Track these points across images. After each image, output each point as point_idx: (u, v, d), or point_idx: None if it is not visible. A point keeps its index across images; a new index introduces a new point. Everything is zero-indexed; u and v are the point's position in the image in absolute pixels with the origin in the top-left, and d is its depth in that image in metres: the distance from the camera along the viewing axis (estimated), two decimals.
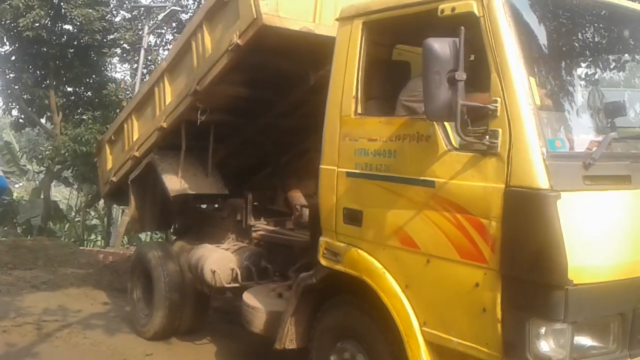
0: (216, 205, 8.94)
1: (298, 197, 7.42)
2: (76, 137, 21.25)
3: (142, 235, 20.40)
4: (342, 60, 4.97)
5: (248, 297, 6.21)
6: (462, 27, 3.77)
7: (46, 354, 7.48)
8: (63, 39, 23.33)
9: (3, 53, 23.66)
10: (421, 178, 4.25)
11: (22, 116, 25.15)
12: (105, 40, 23.56)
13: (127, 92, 23.45)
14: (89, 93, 24.47)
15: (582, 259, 3.61)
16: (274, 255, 7.11)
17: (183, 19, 25.16)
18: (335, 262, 4.97)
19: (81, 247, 19.30)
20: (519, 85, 3.77)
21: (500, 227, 3.78)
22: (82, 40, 22.71)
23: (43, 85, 23.61)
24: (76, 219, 28.61)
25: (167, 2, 25.50)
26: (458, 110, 3.73)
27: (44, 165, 24.76)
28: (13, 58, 23.42)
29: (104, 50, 23.81)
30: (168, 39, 26.46)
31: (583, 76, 5.07)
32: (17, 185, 33.59)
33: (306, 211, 6.68)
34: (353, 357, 4.94)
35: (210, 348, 7.95)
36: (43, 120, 25.76)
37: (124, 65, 27.69)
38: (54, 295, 10.16)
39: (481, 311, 3.88)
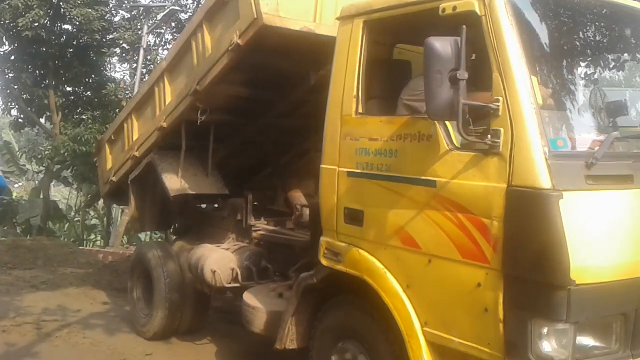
0: (216, 205, 8.93)
1: (298, 196, 7.41)
2: (75, 136, 21.22)
3: (142, 235, 20.37)
4: (343, 60, 4.96)
5: (248, 297, 6.20)
6: (464, 26, 3.75)
7: (46, 354, 7.47)
8: (62, 39, 23.29)
9: (2, 53, 23.65)
10: (422, 177, 4.24)
11: (22, 116, 25.14)
12: (104, 39, 23.53)
13: (127, 92, 23.43)
14: (88, 93, 24.43)
15: (584, 258, 3.60)
16: (274, 255, 7.10)
17: (182, 18, 25.17)
18: (336, 262, 4.96)
19: (80, 247, 19.29)
20: (521, 84, 3.76)
21: (502, 227, 3.77)
22: (81, 40, 22.69)
23: (42, 85, 23.58)
24: (75, 219, 28.57)
25: (166, 2, 25.47)
26: (460, 109, 3.72)
27: (44, 165, 24.73)
28: (12, 58, 23.38)
29: (103, 50, 23.78)
30: (167, 39, 26.52)
31: (585, 75, 5.06)
32: (16, 185, 33.62)
33: (306, 211, 6.66)
34: (354, 357, 4.93)
35: (210, 348, 7.94)
36: (42, 120, 25.73)
37: (123, 65, 27.71)
38: (54, 295, 10.14)
39: (483, 311, 3.87)
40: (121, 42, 24.34)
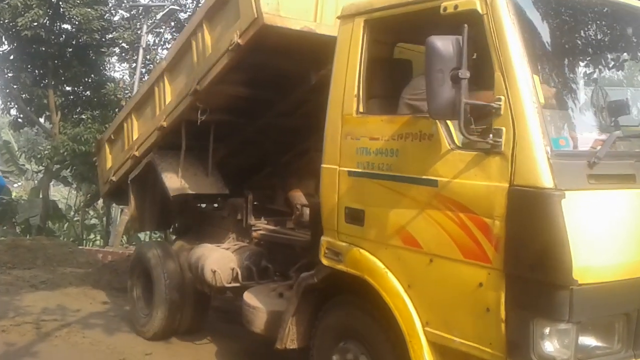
0: (216, 205, 8.92)
1: (299, 196, 7.39)
2: (75, 136, 21.22)
3: (141, 235, 20.37)
4: (344, 59, 4.94)
5: (249, 297, 6.19)
6: (466, 25, 3.73)
7: (45, 353, 7.45)
8: (61, 38, 23.31)
9: (1, 52, 23.68)
10: (424, 177, 4.22)
11: (21, 115, 25.15)
12: (103, 39, 23.54)
13: (126, 92, 23.44)
14: (87, 92, 24.45)
15: (586, 258, 3.58)
16: (274, 255, 7.08)
17: (182, 18, 25.21)
18: (337, 261, 4.94)
19: (80, 247, 19.33)
20: (523, 83, 3.75)
21: (504, 227, 3.75)
22: (80, 40, 22.69)
23: (42, 85, 23.60)
24: (75, 219, 28.60)
25: (166, 1, 25.47)
26: (461, 108, 3.70)
27: (43, 164, 24.75)
28: (11, 57, 23.41)
29: (103, 50, 23.80)
30: (167, 38, 26.51)
31: (587, 74, 5.04)
32: (15, 185, 33.63)
33: (307, 210, 6.65)
34: (356, 358, 4.92)
35: (209, 347, 7.93)
36: (42, 120, 25.75)
37: (122, 65, 27.72)
38: (53, 295, 10.12)
39: (485, 311, 3.86)
40: (120, 41, 24.36)
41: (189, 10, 25.44)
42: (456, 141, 4.06)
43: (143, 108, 8.45)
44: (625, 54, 5.18)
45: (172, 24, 25.60)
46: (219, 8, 6.59)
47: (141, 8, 25.19)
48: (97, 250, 17.55)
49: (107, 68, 26.27)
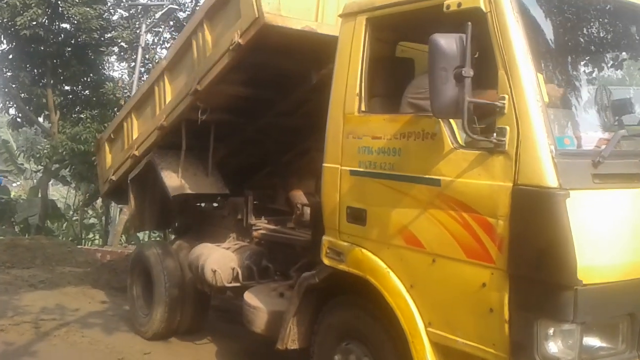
0: (216, 204, 8.90)
1: (299, 196, 7.38)
2: (74, 135, 21.16)
3: (140, 235, 20.35)
4: (345, 57, 4.92)
5: (249, 297, 6.17)
6: (469, 23, 3.71)
7: (44, 353, 7.46)
8: (60, 38, 23.22)
9: (0, 52, 23.60)
10: (426, 176, 4.20)
11: (20, 115, 25.08)
12: (102, 38, 23.46)
13: (125, 91, 23.41)
14: (86, 92, 24.37)
15: (591, 258, 3.56)
16: (275, 255, 7.05)
17: (180, 17, 25.18)
18: (339, 261, 4.92)
19: (79, 246, 19.34)
20: (527, 82, 3.73)
21: (508, 226, 3.73)
22: (79, 39, 22.62)
23: (40, 84, 23.53)
24: (74, 218, 28.57)
25: (165, 0, 25.39)
26: (465, 107, 3.68)
27: (42, 164, 24.68)
28: (10, 57, 23.31)
29: (102, 49, 23.73)
30: (166, 37, 26.44)
31: (591, 73, 5.02)
32: (14, 184, 33.59)
33: (307, 210, 6.64)
34: (359, 359, 4.89)
35: (209, 347, 7.93)
36: (41, 119, 25.69)
37: (121, 64, 27.63)
38: (52, 294, 10.12)
39: (488, 311, 3.83)
40: (119, 40, 24.31)
41: (187, 9, 25.49)
42: (459, 140, 4.03)
43: (143, 107, 8.44)
44: (629, 52, 5.16)
45: (171, 23, 25.55)
46: (219, 7, 6.57)
47: (140, 7, 25.15)
48: (96, 250, 17.53)
49: (106, 67, 26.24)
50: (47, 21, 22.14)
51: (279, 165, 8.45)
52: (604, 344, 3.80)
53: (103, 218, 27.45)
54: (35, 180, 29.94)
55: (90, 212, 29.30)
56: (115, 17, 25.49)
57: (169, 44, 24.37)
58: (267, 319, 5.84)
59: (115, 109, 20.90)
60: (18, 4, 20.55)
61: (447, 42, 3.73)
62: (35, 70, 23.70)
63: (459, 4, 3.99)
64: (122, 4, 25.83)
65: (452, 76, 3.71)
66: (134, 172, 8.55)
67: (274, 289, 6.27)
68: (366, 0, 4.85)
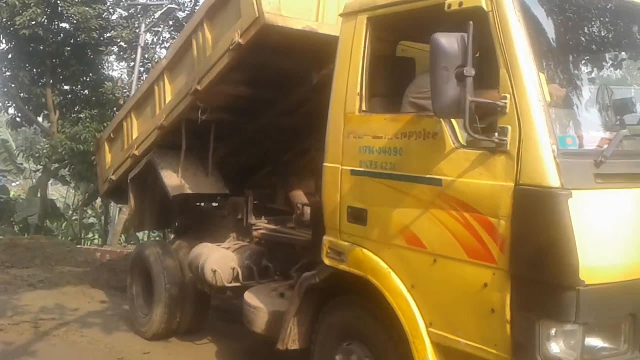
0: (215, 204, 8.89)
1: (299, 195, 7.37)
2: (73, 135, 21.14)
3: (139, 234, 20.34)
4: (346, 57, 4.90)
5: (249, 297, 6.15)
6: (471, 22, 3.69)
7: (43, 352, 7.46)
8: (59, 37, 23.21)
9: None
10: (427, 176, 4.18)
11: (19, 114, 25.05)
12: (101, 38, 23.42)
13: (124, 91, 23.37)
14: (85, 91, 24.35)
15: (593, 258, 3.55)
16: (275, 254, 7.04)
17: (180, 16, 25.15)
18: (339, 261, 4.90)
19: (78, 246, 19.32)
20: (528, 81, 3.71)
21: (510, 226, 3.71)
22: (78, 39, 22.60)
23: (40, 84, 23.50)
24: (73, 218, 28.58)
25: (164, 0, 25.39)
26: (467, 106, 3.66)
27: (41, 163, 24.69)
28: (9, 56, 23.30)
29: (101, 49, 23.69)
30: (165, 37, 26.39)
31: (593, 72, 5.01)
32: (14, 184, 33.60)
33: (307, 210, 6.62)
34: (360, 359, 4.88)
35: (208, 346, 7.92)
36: (40, 119, 25.69)
37: (120, 64, 27.55)
38: (51, 294, 10.11)
39: (490, 312, 3.82)
40: (119, 40, 24.24)
41: (187, 9, 25.43)
42: (461, 140, 4.01)
43: (143, 107, 8.43)
44: (631, 51, 5.15)
45: (171, 22, 25.51)
46: (219, 7, 6.56)
47: (139, 7, 25.12)
48: (95, 249, 17.51)
49: (105, 67, 26.19)
50: (46, 20, 22.12)
51: (279, 165, 8.43)
52: (606, 345, 3.78)
53: (102, 218, 27.44)
54: (34, 180, 29.93)
55: (89, 211, 29.30)
56: (114, 17, 25.47)
57: (168, 44, 24.37)
58: (268, 319, 5.82)
59: (115, 109, 20.88)
60: (17, 3, 20.54)
61: (449, 41, 3.71)
62: (35, 70, 23.67)
63: (460, 3, 3.97)
64: (121, 3, 25.78)
65: (453, 75, 3.69)
66: (133, 172, 8.55)
67: (274, 288, 6.26)
68: None
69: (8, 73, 23.67)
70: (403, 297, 4.35)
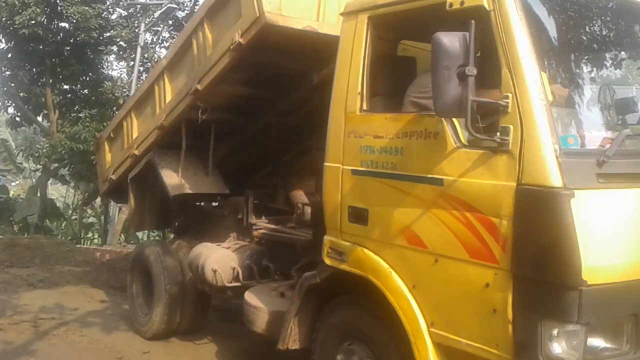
0: (215, 204, 8.88)
1: (300, 195, 7.35)
2: (73, 135, 21.13)
3: (139, 234, 20.33)
4: (347, 56, 4.89)
5: (250, 297, 6.14)
6: (473, 21, 3.68)
7: (43, 352, 7.45)
8: (59, 37, 23.23)
9: None
10: (429, 176, 4.17)
11: (19, 114, 25.07)
12: (101, 37, 23.44)
13: (124, 90, 23.39)
14: (85, 91, 24.37)
15: (596, 258, 3.54)
16: (275, 254, 7.02)
17: (179, 16, 25.17)
18: (340, 261, 4.89)
19: (78, 245, 19.33)
20: (530, 80, 3.70)
21: (512, 226, 3.70)
22: (78, 38, 22.62)
23: (39, 83, 23.51)
24: (73, 217, 28.58)
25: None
26: (468, 106, 3.65)
27: (41, 163, 24.70)
28: (9, 56, 23.31)
29: (100, 48, 23.71)
30: (164, 37, 26.41)
31: (595, 71, 5.00)
32: (13, 183, 33.60)
33: (308, 209, 6.60)
34: (361, 359, 4.87)
35: (208, 346, 7.91)
36: (39, 118, 25.69)
37: (120, 63, 27.63)
38: (51, 293, 10.11)
39: (491, 312, 3.81)
40: (118, 40, 24.29)
41: (186, 8, 25.45)
42: (462, 139, 4.00)
43: (143, 106, 8.42)
44: (632, 51, 5.14)
45: (170, 22, 25.53)
46: (220, 7, 6.55)
47: (139, 6, 25.14)
48: (95, 249, 17.52)
49: (104, 66, 26.22)
50: (45, 20, 22.13)
51: (279, 165, 8.42)
52: (608, 345, 3.77)
53: (102, 217, 27.44)
54: (34, 180, 29.92)
55: (89, 211, 29.31)
56: (114, 16, 25.55)
57: (168, 43, 24.41)
58: (268, 319, 5.81)
59: (115, 108, 20.89)
60: (17, 2, 20.56)
61: (450, 40, 3.70)
62: (34, 69, 23.68)
63: (462, 2, 3.96)
64: (121, 2, 25.82)
65: (455, 75, 3.68)
66: (133, 172, 8.54)
67: (275, 288, 6.25)
68: None
69: (8, 72, 23.73)
70: (404, 297, 4.34)
